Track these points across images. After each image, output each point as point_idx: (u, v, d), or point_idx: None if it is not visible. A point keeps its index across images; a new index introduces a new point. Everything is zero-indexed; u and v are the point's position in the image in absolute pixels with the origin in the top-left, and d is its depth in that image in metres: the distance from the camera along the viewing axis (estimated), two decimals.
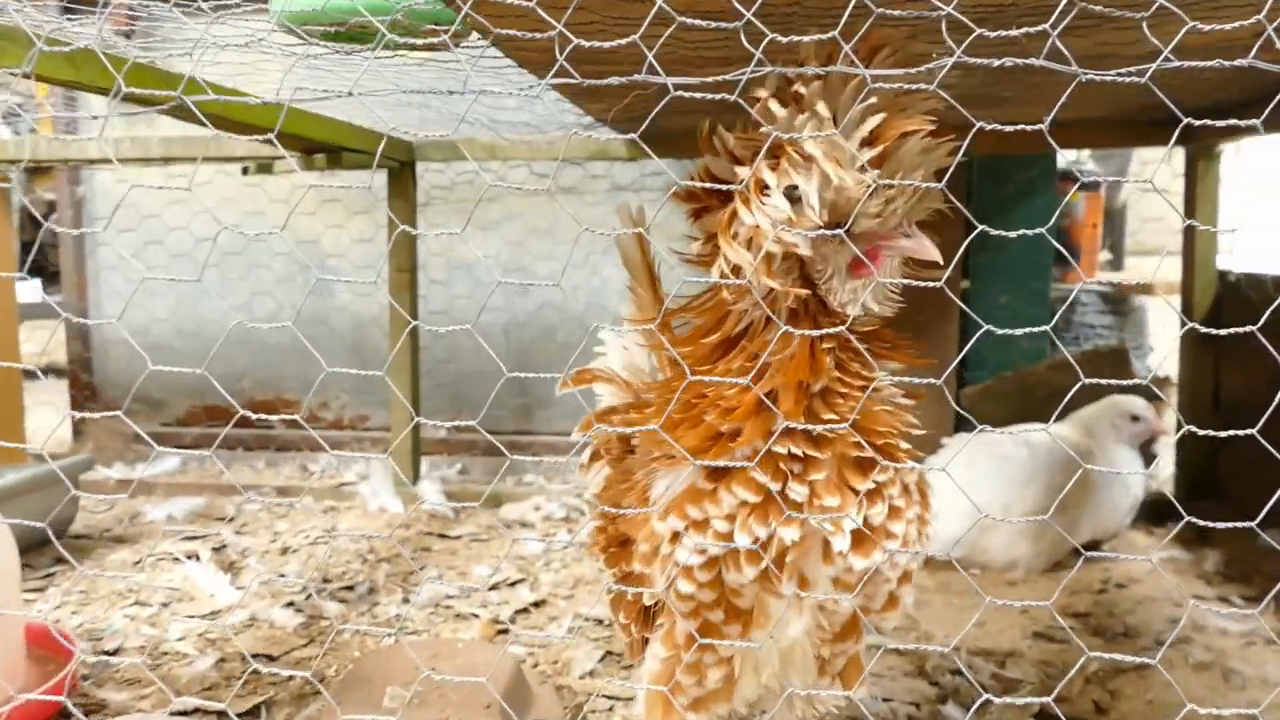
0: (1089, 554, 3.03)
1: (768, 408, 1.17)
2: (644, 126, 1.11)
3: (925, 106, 1.13)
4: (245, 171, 3.83)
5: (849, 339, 1.15)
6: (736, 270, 1.17)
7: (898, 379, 1.23)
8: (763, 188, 1.13)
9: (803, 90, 1.10)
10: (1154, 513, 3.33)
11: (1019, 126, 1.02)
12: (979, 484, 2.93)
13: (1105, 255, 5.02)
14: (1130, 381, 0.97)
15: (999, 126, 1.07)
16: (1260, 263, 3.58)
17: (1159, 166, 5.29)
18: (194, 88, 1.50)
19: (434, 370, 4.48)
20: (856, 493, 1.19)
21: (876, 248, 1.18)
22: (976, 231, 1.01)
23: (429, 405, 4.41)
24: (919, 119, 1.09)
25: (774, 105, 1.11)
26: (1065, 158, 4.26)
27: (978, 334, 1.13)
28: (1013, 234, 0.98)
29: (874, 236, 1.18)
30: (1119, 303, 4.28)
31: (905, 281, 1.19)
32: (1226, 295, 3.37)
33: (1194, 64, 0.99)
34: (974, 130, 1.03)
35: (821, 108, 1.08)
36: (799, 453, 1.18)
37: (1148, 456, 3.46)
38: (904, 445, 1.24)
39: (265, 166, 3.70)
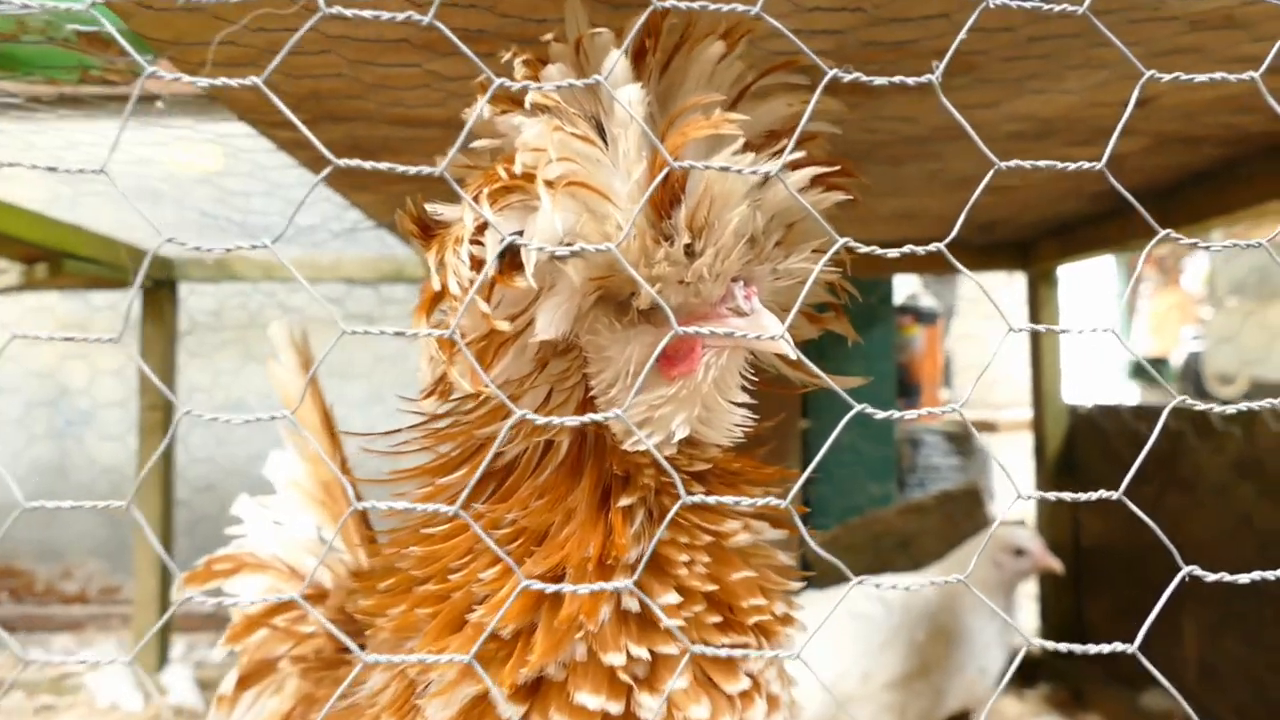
0: None
1: (559, 597, 0.72)
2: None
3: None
4: None
5: (672, 481, 0.69)
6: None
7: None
8: (478, 230, 0.70)
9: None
10: (1022, 671, 2.97)
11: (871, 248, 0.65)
12: (833, 649, 2.50)
13: (945, 392, 4.85)
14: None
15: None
16: (1085, 390, 3.41)
17: (1000, 290, 5.22)
18: None
19: (196, 528, 3.78)
20: (729, 696, 0.80)
21: (693, 337, 0.74)
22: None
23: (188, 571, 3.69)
24: (722, 119, 0.69)
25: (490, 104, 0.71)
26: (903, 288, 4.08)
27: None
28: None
29: (689, 315, 0.74)
30: (963, 442, 4.04)
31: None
32: (1079, 429, 3.13)
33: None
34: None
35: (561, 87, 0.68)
36: (641, 653, 0.75)
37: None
38: (780, 609, 0.84)
39: None
